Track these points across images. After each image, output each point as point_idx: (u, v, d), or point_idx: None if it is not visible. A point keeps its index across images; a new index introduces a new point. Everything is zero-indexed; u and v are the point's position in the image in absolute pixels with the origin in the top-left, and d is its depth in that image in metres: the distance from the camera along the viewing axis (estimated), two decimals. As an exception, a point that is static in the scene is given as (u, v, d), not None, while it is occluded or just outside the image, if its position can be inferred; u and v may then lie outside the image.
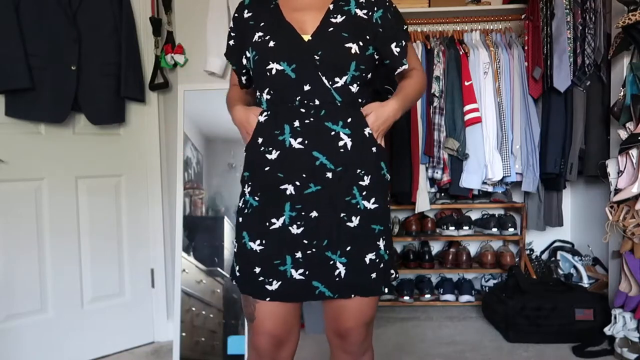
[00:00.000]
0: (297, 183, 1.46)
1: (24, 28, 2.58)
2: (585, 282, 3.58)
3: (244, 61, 1.61)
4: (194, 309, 2.94)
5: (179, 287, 2.95)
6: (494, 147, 3.51)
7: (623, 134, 2.77)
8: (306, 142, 1.45)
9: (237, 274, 1.57)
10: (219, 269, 2.95)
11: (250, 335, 1.60)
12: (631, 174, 2.73)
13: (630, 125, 2.75)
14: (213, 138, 3.04)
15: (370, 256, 1.52)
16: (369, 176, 1.51)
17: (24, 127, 2.72)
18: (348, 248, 1.50)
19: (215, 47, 3.01)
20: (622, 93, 2.86)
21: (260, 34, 1.53)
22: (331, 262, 1.49)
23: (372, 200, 1.51)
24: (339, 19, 1.52)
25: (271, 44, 1.49)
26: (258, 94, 1.58)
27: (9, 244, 2.69)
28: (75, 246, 2.91)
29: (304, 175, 1.46)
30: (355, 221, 1.50)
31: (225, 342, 2.91)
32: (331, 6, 1.55)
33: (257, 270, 1.51)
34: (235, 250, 1.58)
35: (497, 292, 3.41)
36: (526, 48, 3.50)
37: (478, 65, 3.55)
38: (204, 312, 2.94)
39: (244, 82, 1.70)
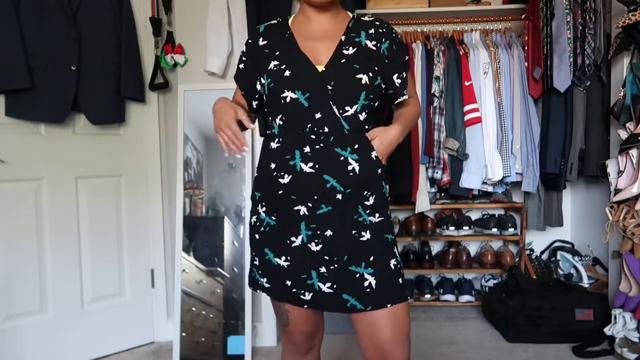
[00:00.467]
0: (310, 204, 1.53)
1: (24, 28, 2.58)
2: (585, 282, 3.58)
3: (258, 87, 1.66)
4: (194, 309, 2.94)
5: (179, 287, 2.95)
6: (494, 147, 3.51)
7: (623, 134, 2.77)
8: (317, 166, 1.52)
9: (267, 285, 1.65)
10: (219, 269, 2.95)
11: (286, 334, 1.76)
12: (631, 174, 2.73)
13: (630, 125, 2.75)
14: (213, 138, 3.04)
15: (393, 262, 1.59)
16: (374, 196, 1.57)
17: (24, 127, 2.72)
18: (371, 258, 1.55)
19: (215, 47, 3.01)
20: (622, 93, 2.86)
21: (276, 62, 1.58)
22: (357, 275, 1.55)
23: (377, 215, 1.59)
24: (351, 50, 1.58)
25: (287, 73, 1.55)
26: (270, 119, 1.64)
27: (9, 244, 2.69)
28: (75, 246, 2.91)
29: (315, 197, 1.52)
30: (367, 235, 1.56)
31: (225, 342, 2.91)
32: (343, 37, 1.61)
33: (289, 283, 1.60)
34: (257, 263, 1.67)
35: (497, 292, 3.41)
36: (526, 48, 3.50)
37: (478, 65, 3.55)
38: (204, 312, 2.94)
39: (254, 106, 1.74)
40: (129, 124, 3.10)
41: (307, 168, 1.52)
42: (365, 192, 1.56)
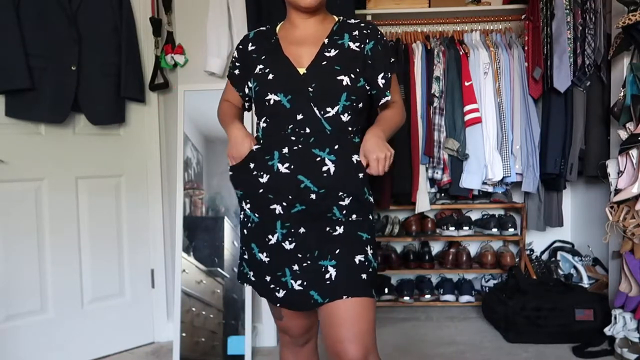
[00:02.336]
0: (284, 203, 1.58)
1: (24, 28, 2.58)
2: (586, 283, 3.58)
3: (246, 90, 1.75)
4: (194, 309, 2.94)
5: (179, 287, 2.95)
6: (494, 147, 3.51)
7: (623, 134, 2.77)
8: (292, 167, 1.56)
9: (252, 279, 1.72)
10: (219, 269, 2.95)
11: (282, 328, 1.82)
12: (631, 175, 2.73)
13: (630, 126, 2.75)
14: (213, 138, 3.04)
15: (359, 257, 1.59)
16: (350, 198, 1.59)
17: (24, 127, 2.72)
18: (337, 251, 1.58)
19: (215, 47, 3.01)
20: (622, 93, 2.86)
21: (261, 66, 1.64)
22: (323, 269, 1.58)
23: (354, 216, 1.61)
24: (333, 52, 1.62)
25: (270, 76, 1.61)
26: (257, 120, 1.71)
27: (9, 244, 2.69)
28: (75, 246, 2.91)
29: (290, 197, 1.56)
30: (339, 230, 1.60)
31: (225, 343, 2.91)
32: (326, 40, 1.65)
33: (268, 279, 1.66)
34: (246, 257, 1.73)
35: (497, 292, 3.41)
36: (526, 48, 3.50)
37: (478, 65, 3.55)
38: (204, 313, 2.94)
39: (247, 107, 1.84)
40: (129, 124, 3.10)
41: (283, 168, 1.56)
42: (340, 193, 1.57)
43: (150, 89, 3.13)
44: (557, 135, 3.47)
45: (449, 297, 3.74)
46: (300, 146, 1.56)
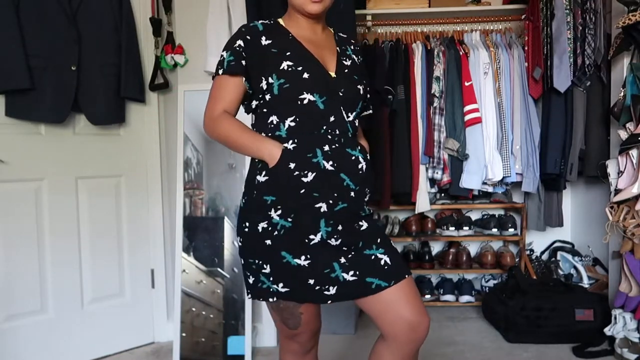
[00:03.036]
0: (330, 201, 1.58)
1: (24, 28, 2.58)
2: (586, 283, 3.58)
3: (264, 86, 1.60)
4: (194, 309, 2.94)
5: (179, 287, 2.95)
6: (494, 147, 3.51)
7: (623, 135, 2.77)
8: (336, 164, 1.58)
9: (283, 290, 1.61)
10: (219, 269, 2.95)
11: (292, 336, 1.76)
12: (631, 175, 2.73)
13: (630, 126, 2.75)
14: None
15: (391, 243, 1.72)
16: (370, 194, 1.71)
17: (24, 127, 2.72)
18: (379, 240, 1.66)
19: (216, 47, 3.01)
20: (622, 93, 2.86)
21: (290, 63, 1.58)
22: (373, 257, 1.63)
23: (369, 210, 1.73)
24: (348, 62, 1.71)
25: (305, 75, 1.57)
26: (275, 119, 1.61)
27: (9, 244, 2.69)
28: (75, 246, 2.91)
29: (335, 194, 1.58)
30: (365, 224, 1.67)
31: (225, 343, 2.91)
32: (338, 49, 1.72)
33: (312, 281, 1.60)
34: (268, 271, 1.61)
35: (497, 292, 3.41)
36: (526, 48, 3.50)
37: (478, 65, 3.55)
38: (204, 313, 2.94)
39: (252, 106, 1.70)
40: (129, 124, 3.10)
41: (328, 166, 1.56)
42: (366, 189, 1.66)
43: (150, 89, 3.13)
44: (557, 135, 3.47)
45: (449, 297, 3.74)
46: (337, 145, 1.59)
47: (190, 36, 3.15)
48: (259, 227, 1.60)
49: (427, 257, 3.81)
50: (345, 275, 1.60)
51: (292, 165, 1.55)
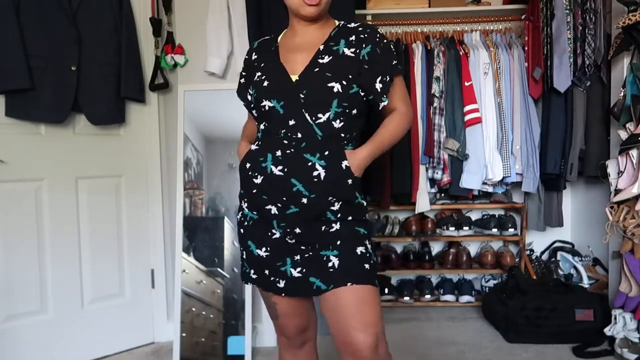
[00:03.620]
0: (279, 205, 1.61)
1: (24, 29, 2.58)
2: (586, 283, 3.58)
3: (249, 97, 1.79)
4: (194, 309, 2.94)
5: (179, 287, 2.95)
6: (494, 147, 3.51)
7: (623, 135, 2.77)
8: (286, 169, 1.59)
9: (253, 276, 1.76)
10: (219, 269, 2.95)
11: (278, 328, 1.85)
12: (631, 175, 2.73)
13: (630, 126, 2.75)
14: (213, 138, 3.04)
15: (360, 248, 1.63)
16: (340, 202, 1.62)
17: (24, 127, 2.72)
18: (338, 242, 1.62)
19: (215, 48, 3.01)
20: (622, 93, 2.86)
21: (259, 74, 1.71)
22: (324, 258, 1.62)
23: (349, 217, 1.65)
24: (326, 59, 1.63)
25: (265, 83, 1.66)
26: (257, 125, 1.75)
27: (9, 244, 2.69)
28: (75, 246, 2.91)
29: (284, 198, 1.60)
30: (336, 226, 1.64)
31: (225, 343, 2.91)
32: (321, 47, 1.67)
33: (267, 272, 1.71)
34: (245, 256, 1.78)
35: (497, 292, 3.41)
36: (526, 48, 3.50)
37: (478, 65, 3.55)
38: (204, 313, 2.94)
39: (254, 115, 1.80)
40: (129, 124, 3.10)
41: (276, 171, 1.60)
42: (330, 198, 1.60)
43: (150, 89, 3.13)
44: (557, 135, 3.47)
45: (449, 297, 3.74)
46: (292, 150, 1.59)
47: (190, 36, 3.15)
48: (238, 216, 1.78)
49: (427, 257, 3.81)
50: (292, 270, 1.65)
51: (247, 165, 1.68)
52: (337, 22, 1.74)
